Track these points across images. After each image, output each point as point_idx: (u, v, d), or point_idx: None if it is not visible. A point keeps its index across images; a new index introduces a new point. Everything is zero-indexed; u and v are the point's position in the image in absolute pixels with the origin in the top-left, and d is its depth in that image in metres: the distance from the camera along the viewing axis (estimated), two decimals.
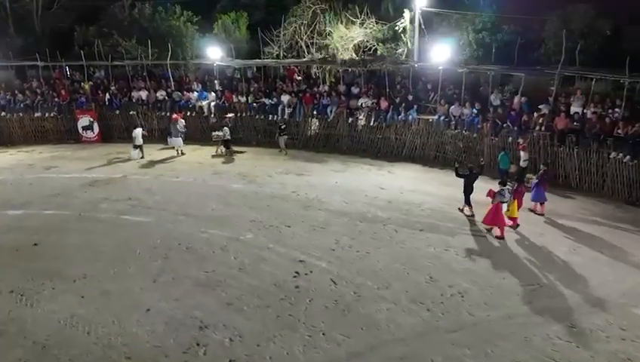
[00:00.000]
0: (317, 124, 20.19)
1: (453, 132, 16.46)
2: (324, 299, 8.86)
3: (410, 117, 17.42)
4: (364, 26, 25.01)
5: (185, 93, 21.58)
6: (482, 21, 23.57)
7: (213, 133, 19.13)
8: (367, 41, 25.24)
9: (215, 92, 21.33)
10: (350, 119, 18.86)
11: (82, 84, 22.67)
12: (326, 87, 20.56)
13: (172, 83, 21.89)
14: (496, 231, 11.40)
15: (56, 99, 21.93)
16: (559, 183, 14.86)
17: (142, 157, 18.67)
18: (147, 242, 11.30)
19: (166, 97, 21.52)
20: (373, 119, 18.33)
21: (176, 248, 11.00)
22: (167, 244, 11.17)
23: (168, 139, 20.46)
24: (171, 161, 18.51)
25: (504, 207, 11.46)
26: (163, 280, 9.64)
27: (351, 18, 25.31)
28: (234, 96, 21.11)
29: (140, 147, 18.77)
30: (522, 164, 14.70)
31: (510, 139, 15.17)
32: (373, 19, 25.01)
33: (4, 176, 16.74)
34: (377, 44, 26.03)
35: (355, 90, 20.00)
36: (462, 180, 12.70)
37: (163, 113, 21.16)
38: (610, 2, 21.36)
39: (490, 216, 11.37)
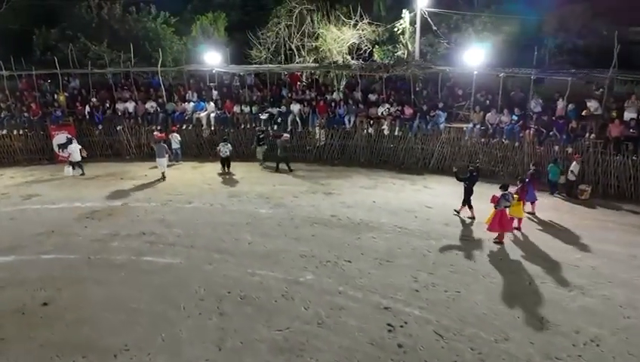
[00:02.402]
0: (323, 134, 18.62)
1: (492, 141, 15.31)
2: (441, 361, 7.32)
3: (442, 125, 16.15)
4: (357, 27, 23.79)
5: (179, 103, 19.26)
6: (483, 22, 23.01)
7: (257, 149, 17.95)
8: (361, 43, 24.07)
9: (214, 102, 19.17)
10: (371, 129, 17.35)
11: (56, 95, 19.81)
12: (341, 95, 18.87)
13: (164, 92, 19.52)
14: (497, 235, 11.13)
15: (25, 114, 19.00)
16: (610, 194, 14.06)
17: (82, 174, 17.14)
18: (188, 292, 9.30)
19: (157, 109, 19.13)
20: (397, 128, 16.91)
21: (227, 298, 9.08)
22: (215, 294, 9.22)
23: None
24: (174, 182, 16.27)
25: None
26: (230, 347, 7.74)
27: (343, 19, 24.01)
28: (235, 106, 19.06)
29: (77, 164, 17.20)
30: (570, 176, 13.79)
31: (557, 148, 14.20)
32: (366, 20, 23.84)
33: None
34: (373, 47, 24.89)
35: (372, 97, 18.47)
36: (467, 186, 12.42)
37: (154, 127, 18.77)
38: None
39: (496, 222, 10.89)
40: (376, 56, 24.47)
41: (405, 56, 23.37)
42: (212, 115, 18.83)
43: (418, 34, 22.73)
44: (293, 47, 24.25)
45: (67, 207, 14.07)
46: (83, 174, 17.19)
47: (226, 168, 17.09)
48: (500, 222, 10.92)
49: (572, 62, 19.02)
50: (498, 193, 11.03)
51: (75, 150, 17.08)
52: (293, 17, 24.50)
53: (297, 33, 24.17)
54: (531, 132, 14.69)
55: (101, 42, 23.82)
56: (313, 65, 20.24)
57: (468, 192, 12.33)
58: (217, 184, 16.07)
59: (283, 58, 24.51)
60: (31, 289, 9.50)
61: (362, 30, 23.73)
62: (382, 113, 17.37)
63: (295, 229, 12.17)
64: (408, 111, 16.99)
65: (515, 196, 11.51)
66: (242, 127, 18.52)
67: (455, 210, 12.74)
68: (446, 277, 9.68)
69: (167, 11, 26.59)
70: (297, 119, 18.27)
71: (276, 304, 8.88)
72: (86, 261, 10.71)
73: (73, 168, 17.14)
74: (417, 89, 17.92)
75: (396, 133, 16.93)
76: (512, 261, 10.35)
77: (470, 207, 12.43)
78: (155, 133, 17.93)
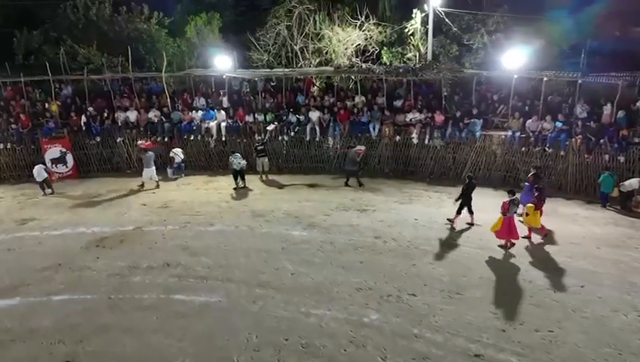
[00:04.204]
0: (333, 143, 17.43)
1: (534, 149, 14.30)
2: None
3: (478, 133, 15.05)
4: (363, 28, 22.75)
5: (186, 112, 17.62)
6: (495, 22, 22.25)
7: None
8: (367, 45, 23.07)
9: (225, 110, 17.62)
10: (398, 137, 16.13)
11: (47, 104, 17.92)
12: (362, 98, 17.49)
13: (169, 100, 17.87)
14: (503, 241, 10.97)
15: (13, 126, 17.08)
16: None
17: (51, 193, 15.55)
18: (238, 340, 7.89)
19: (162, 118, 17.48)
20: (427, 136, 15.73)
21: (287, 348, 7.70)
22: (271, 342, 7.83)
23: (168, 170, 16.83)
24: (188, 200, 14.73)
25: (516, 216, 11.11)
26: None
27: (350, 19, 22.91)
28: (248, 115, 17.56)
29: (41, 183, 15.54)
30: (622, 188, 12.89)
31: (607, 157, 13.27)
32: (372, 21, 22.83)
33: None
34: (381, 49, 23.89)
35: (397, 102, 17.23)
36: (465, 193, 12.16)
37: (159, 138, 17.16)
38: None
39: (505, 229, 10.75)
40: (384, 59, 23.46)
41: (417, 58, 22.40)
42: (223, 124, 17.30)
43: (430, 34, 21.80)
44: (296, 49, 23.03)
45: (71, 233, 12.43)
46: (44, 195, 15.53)
47: (240, 182, 15.65)
48: (509, 229, 10.75)
49: (587, 64, 18.41)
50: (507, 199, 10.80)
51: (37, 170, 15.42)
52: (293, 18, 23.29)
53: (300, 35, 22.96)
54: (578, 140, 13.71)
55: (89, 45, 22.07)
56: (330, 69, 18.89)
57: (466, 199, 12.04)
58: (236, 201, 14.62)
59: (286, 61, 23.26)
60: (47, 343, 7.97)
61: (368, 31, 22.72)
62: (410, 120, 16.14)
63: (339, 255, 10.85)
64: (439, 118, 15.81)
65: (530, 205, 11.18)
66: (256, 136, 17.05)
67: (448, 219, 12.41)
68: (530, 313, 8.52)
69: (156, 11, 25.02)
70: (316, 127, 16.92)
71: (347, 354, 7.55)
72: (106, 302, 9.18)
73: (42, 188, 15.54)
74: (445, 94, 16.74)
75: (426, 142, 15.74)
76: (594, 289, 9.24)
77: (470, 213, 12.20)
78: (139, 142, 16.64)
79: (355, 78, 20.91)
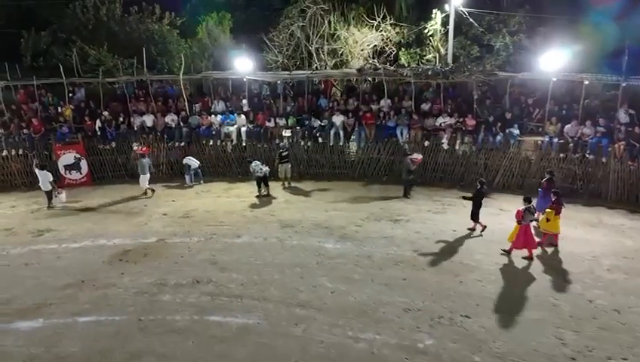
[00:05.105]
0: (354, 148, 16.85)
1: (573, 156, 13.67)
2: None
3: (513, 139, 14.40)
4: (380, 28, 22.21)
5: (204, 116, 16.96)
6: (517, 22, 21.74)
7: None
8: (384, 46, 22.57)
9: (246, 114, 16.97)
10: (427, 142, 15.49)
11: (61, 109, 17.26)
12: (388, 102, 16.79)
13: (186, 103, 17.24)
14: (526, 251, 10.54)
15: (25, 131, 16.43)
16: None
17: (50, 206, 14.46)
18: None
19: (180, 122, 16.83)
20: (459, 142, 15.08)
21: None
22: None
23: (186, 177, 16.20)
24: (211, 208, 14.10)
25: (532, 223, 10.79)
26: None
27: (366, 19, 22.38)
28: (269, 119, 16.91)
29: (49, 192, 14.40)
30: None
31: None
32: (389, 21, 22.30)
33: None
34: (399, 50, 23.37)
35: (425, 106, 16.56)
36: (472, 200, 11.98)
37: (177, 143, 16.51)
38: None
39: (521, 238, 10.37)
40: (402, 60, 22.91)
41: (437, 60, 21.82)
42: (243, 128, 16.66)
43: (451, 35, 21.27)
44: (312, 50, 22.47)
45: (91, 246, 11.79)
46: (51, 207, 14.54)
47: (263, 189, 15.01)
48: (526, 238, 10.39)
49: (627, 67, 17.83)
50: (522, 207, 10.38)
51: (42, 179, 14.21)
52: (307, 18, 22.73)
53: (315, 35, 22.41)
54: (621, 146, 13.08)
55: (100, 46, 21.49)
56: (353, 71, 18.27)
57: (477, 207, 11.83)
58: (261, 210, 13.97)
59: (300, 62, 22.70)
60: None
61: (385, 32, 22.18)
62: (440, 125, 15.49)
63: (379, 271, 10.20)
64: (471, 122, 15.16)
65: (549, 210, 10.79)
66: (277, 142, 16.39)
67: (469, 228, 12.11)
68: (598, 337, 7.87)
69: (167, 11, 24.48)
70: (340, 132, 16.28)
71: None
72: (137, 324, 8.51)
73: (49, 198, 14.49)
74: (476, 97, 16.05)
75: (457, 147, 15.08)
76: None
77: (477, 222, 11.98)
78: (135, 147, 15.98)
79: (372, 80, 20.35)
